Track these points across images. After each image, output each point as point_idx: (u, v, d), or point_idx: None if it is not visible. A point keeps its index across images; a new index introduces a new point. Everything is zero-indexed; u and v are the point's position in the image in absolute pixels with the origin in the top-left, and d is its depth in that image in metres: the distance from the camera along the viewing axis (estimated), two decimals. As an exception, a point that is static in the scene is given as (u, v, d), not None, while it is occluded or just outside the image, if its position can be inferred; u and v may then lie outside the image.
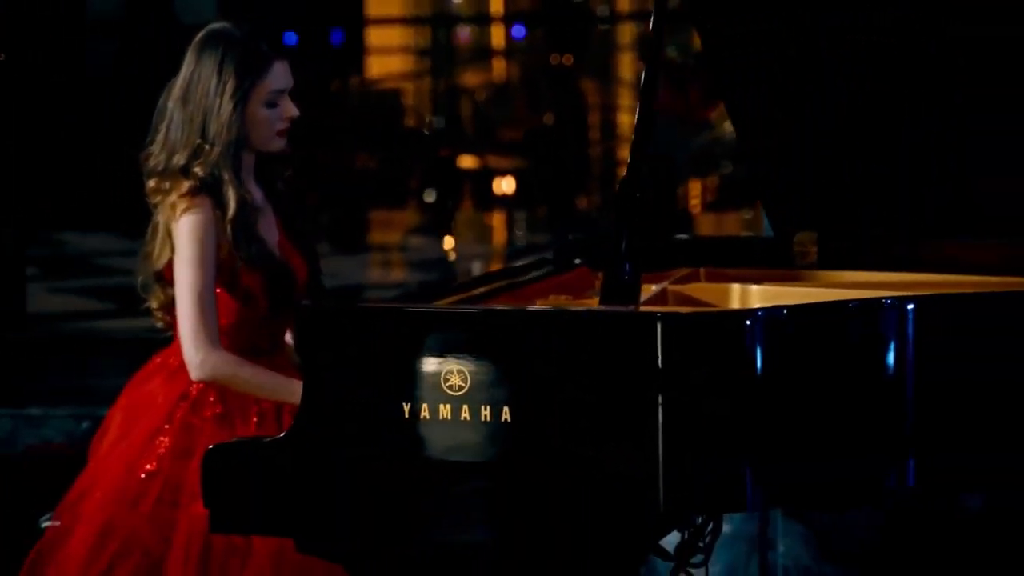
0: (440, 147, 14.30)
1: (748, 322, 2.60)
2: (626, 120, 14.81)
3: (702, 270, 3.59)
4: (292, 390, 2.96)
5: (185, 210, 3.11)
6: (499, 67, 16.29)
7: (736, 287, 3.38)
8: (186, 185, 3.13)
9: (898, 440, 2.65)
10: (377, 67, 16.72)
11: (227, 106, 3.12)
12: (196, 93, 3.15)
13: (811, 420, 2.62)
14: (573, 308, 2.87)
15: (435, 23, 16.74)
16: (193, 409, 3.16)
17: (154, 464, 3.12)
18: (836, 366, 2.63)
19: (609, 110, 14.89)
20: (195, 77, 3.15)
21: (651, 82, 2.90)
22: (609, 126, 14.91)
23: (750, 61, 3.48)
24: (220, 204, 3.12)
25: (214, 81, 3.13)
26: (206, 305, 3.10)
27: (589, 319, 2.64)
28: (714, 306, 3.28)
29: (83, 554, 3.09)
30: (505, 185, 14.52)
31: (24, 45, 7.54)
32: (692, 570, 3.22)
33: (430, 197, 13.96)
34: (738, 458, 2.59)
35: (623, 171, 2.86)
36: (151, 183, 3.18)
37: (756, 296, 3.33)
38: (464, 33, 16.89)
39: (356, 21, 16.55)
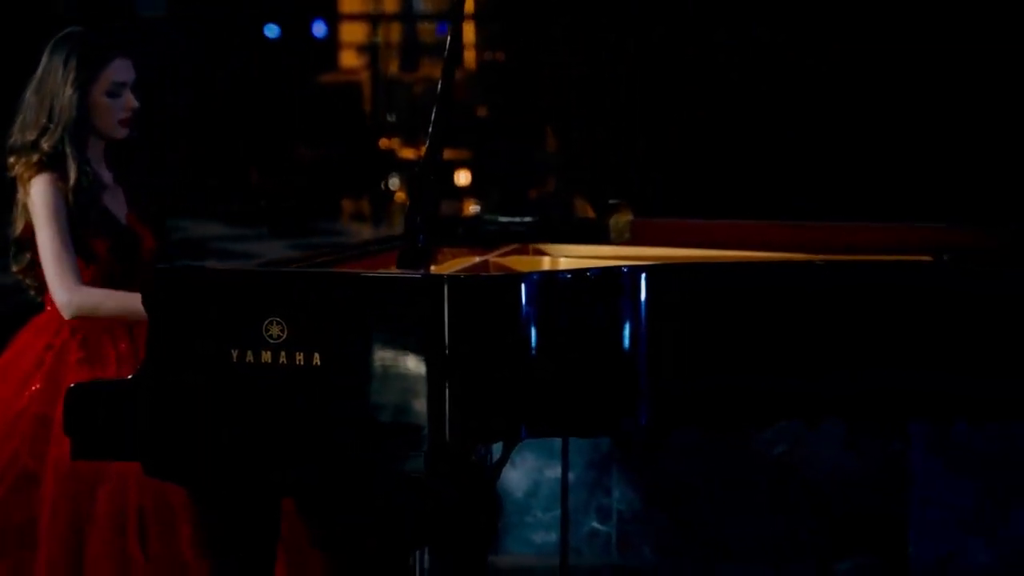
0: (392, 138, 14.78)
1: (523, 282, 3.08)
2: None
3: (531, 246, 4.08)
4: None
5: (31, 180, 3.61)
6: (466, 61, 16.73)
7: (547, 259, 3.87)
8: (35, 157, 3.63)
9: (633, 387, 3.13)
10: (345, 61, 17.18)
11: (69, 91, 3.62)
12: (47, 82, 3.66)
13: (570, 366, 3.09)
14: (372, 272, 3.34)
15: (402, 19, 17.16)
16: (58, 356, 3.64)
17: (25, 403, 3.61)
18: (586, 321, 3.10)
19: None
20: (47, 69, 3.67)
21: (449, 73, 3.38)
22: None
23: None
24: (63, 177, 3.61)
25: (61, 72, 3.64)
26: (64, 252, 3.59)
27: (382, 280, 3.12)
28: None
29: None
30: (463, 177, 14.99)
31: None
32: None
33: (394, 186, 14.42)
34: (512, 399, 3.06)
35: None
36: (11, 159, 3.68)
37: (562, 266, 3.82)
38: (429, 30, 17.32)
39: (332, 16, 17.00)
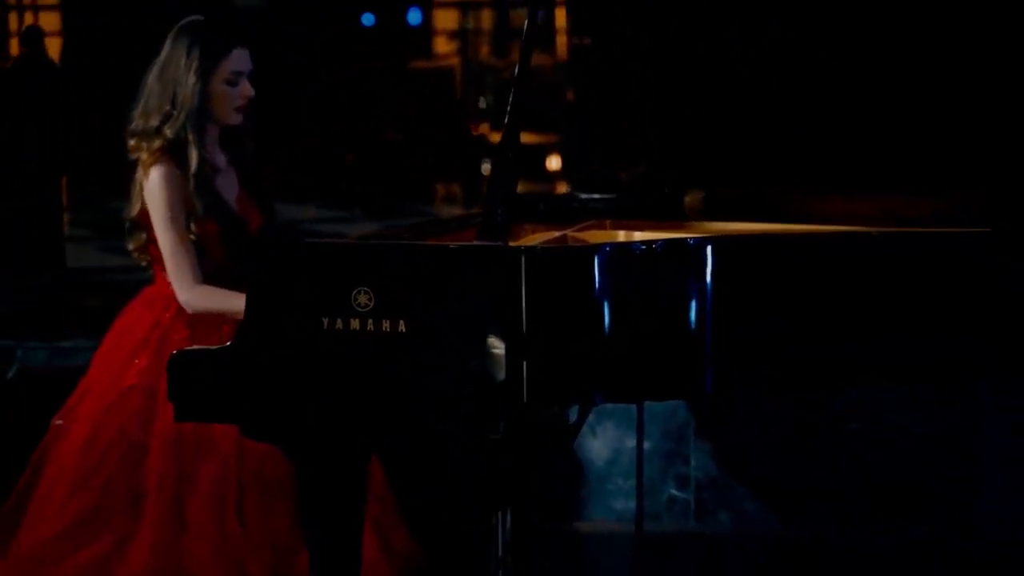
0: (483, 123, 14.99)
1: (597, 254, 3.25)
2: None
3: (608, 221, 4.24)
4: None
5: (152, 166, 3.79)
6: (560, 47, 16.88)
7: (622, 232, 4.04)
8: (157, 143, 3.81)
9: (700, 354, 3.28)
10: (438, 47, 17.41)
11: (192, 79, 3.80)
12: (170, 70, 3.83)
13: (640, 333, 3.25)
14: (452, 243, 3.51)
15: (493, 5, 17.35)
16: (165, 334, 3.85)
17: (134, 379, 3.81)
18: (655, 290, 3.26)
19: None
20: (170, 57, 3.84)
21: (526, 56, 3.54)
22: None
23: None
24: (182, 163, 3.79)
25: (184, 60, 3.81)
26: (182, 252, 3.79)
27: (462, 251, 3.29)
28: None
29: (78, 446, 3.81)
30: (554, 162, 15.17)
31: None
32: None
33: (486, 171, 14.61)
34: (586, 366, 3.22)
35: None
36: (132, 142, 3.86)
37: (636, 239, 3.98)
38: (520, 15, 17.48)
39: (426, 3, 17.24)
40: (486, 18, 17.72)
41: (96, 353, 3.97)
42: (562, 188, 13.64)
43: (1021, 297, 3.44)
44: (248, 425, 3.42)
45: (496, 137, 14.89)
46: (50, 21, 13.50)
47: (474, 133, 14.97)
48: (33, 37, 8.27)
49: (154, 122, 3.83)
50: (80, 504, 3.79)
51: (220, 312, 3.82)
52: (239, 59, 3.86)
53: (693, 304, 3.28)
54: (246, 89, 3.87)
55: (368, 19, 16.36)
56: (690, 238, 3.31)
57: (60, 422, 3.90)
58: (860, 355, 3.41)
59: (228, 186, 3.94)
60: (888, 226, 3.64)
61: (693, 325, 3.28)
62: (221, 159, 3.94)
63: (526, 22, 3.60)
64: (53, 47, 12.36)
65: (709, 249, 3.28)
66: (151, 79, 3.87)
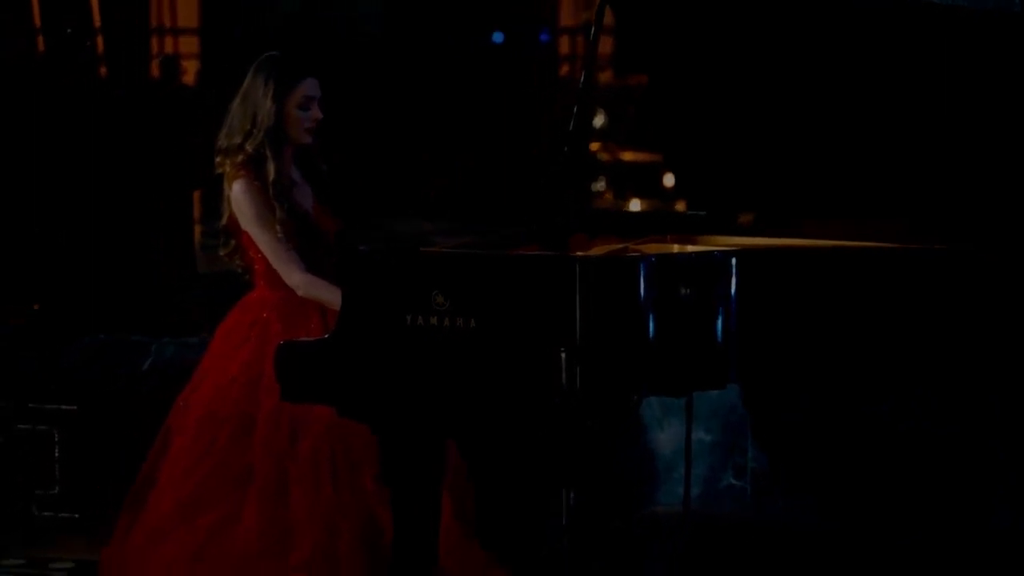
0: (595, 142, 15.44)
1: (641, 263, 3.76)
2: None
3: (669, 236, 4.69)
4: None
5: (235, 179, 4.35)
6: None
7: (675, 246, 4.53)
8: (239, 158, 4.37)
9: (727, 352, 3.80)
10: (563, 69, 17.91)
11: (269, 103, 4.36)
12: (251, 96, 4.40)
13: (678, 334, 3.75)
14: (516, 253, 4.01)
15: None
16: (264, 329, 4.40)
17: (236, 369, 4.38)
18: (689, 295, 3.76)
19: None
20: (251, 85, 4.41)
21: (589, 76, 4.03)
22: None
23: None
24: (261, 175, 4.34)
25: (263, 88, 4.38)
26: (282, 246, 4.33)
27: (522, 259, 3.83)
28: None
29: (195, 427, 4.38)
30: (669, 179, 15.54)
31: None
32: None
33: (600, 187, 15.01)
34: (632, 361, 3.72)
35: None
36: (218, 159, 4.43)
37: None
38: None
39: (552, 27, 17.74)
40: (606, 44, 18.17)
41: (207, 350, 4.53)
42: (680, 205, 13.98)
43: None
44: (342, 406, 3.97)
45: (604, 155, 15.34)
46: (189, 44, 14.26)
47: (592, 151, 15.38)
48: (170, 65, 8.96)
49: (236, 140, 4.38)
50: (199, 475, 4.34)
51: (326, 301, 4.32)
52: (310, 87, 4.42)
53: (720, 307, 3.77)
54: (316, 112, 4.42)
55: (498, 37, 16.84)
56: (717, 251, 3.80)
57: (182, 403, 4.48)
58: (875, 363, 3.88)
59: (303, 198, 4.47)
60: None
61: (720, 325, 3.77)
62: (296, 174, 4.48)
63: (587, 45, 4.06)
64: (191, 69, 13.11)
65: (733, 261, 3.78)
66: (235, 105, 4.43)
